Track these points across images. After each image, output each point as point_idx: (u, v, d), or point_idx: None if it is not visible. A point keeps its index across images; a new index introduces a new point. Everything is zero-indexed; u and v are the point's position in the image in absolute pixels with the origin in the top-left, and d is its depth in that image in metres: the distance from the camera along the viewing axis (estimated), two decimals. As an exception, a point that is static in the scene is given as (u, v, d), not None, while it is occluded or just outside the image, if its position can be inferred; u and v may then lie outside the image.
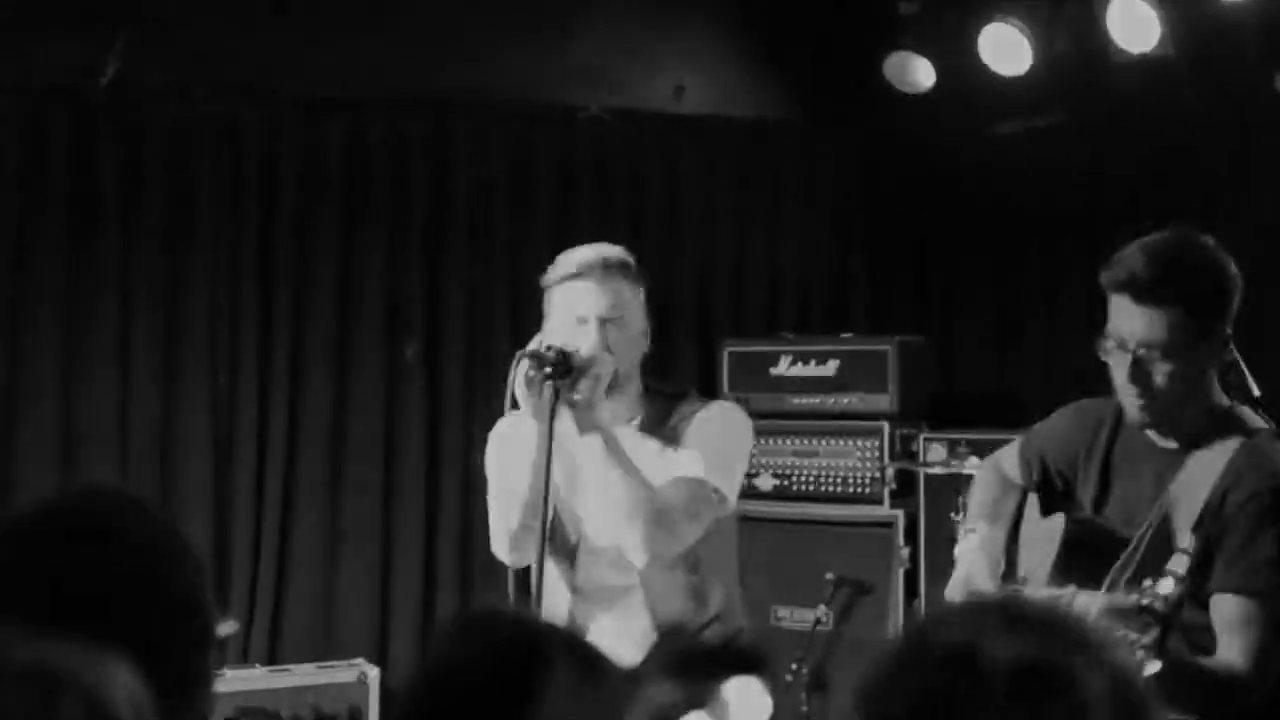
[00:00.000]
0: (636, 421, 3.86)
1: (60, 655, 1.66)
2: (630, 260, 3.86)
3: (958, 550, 3.64)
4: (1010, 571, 3.59)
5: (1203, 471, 3.30)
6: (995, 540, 3.61)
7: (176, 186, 6.93)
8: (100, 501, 2.23)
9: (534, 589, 3.60)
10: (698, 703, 1.37)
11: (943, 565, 6.45)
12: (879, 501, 7.00)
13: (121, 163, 6.84)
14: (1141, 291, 3.29)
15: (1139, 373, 3.32)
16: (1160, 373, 3.31)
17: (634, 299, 3.84)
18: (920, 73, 7.12)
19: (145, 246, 6.89)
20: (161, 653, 1.99)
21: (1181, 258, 3.33)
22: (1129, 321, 3.32)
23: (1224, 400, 3.41)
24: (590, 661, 2.02)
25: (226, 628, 2.19)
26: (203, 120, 6.97)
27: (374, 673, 6.53)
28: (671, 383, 4.03)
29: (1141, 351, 3.31)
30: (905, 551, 6.84)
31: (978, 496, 3.75)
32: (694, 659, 1.40)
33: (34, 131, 6.72)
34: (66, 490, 5.14)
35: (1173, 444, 3.40)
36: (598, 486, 3.70)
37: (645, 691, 1.37)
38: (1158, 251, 3.33)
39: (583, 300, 3.78)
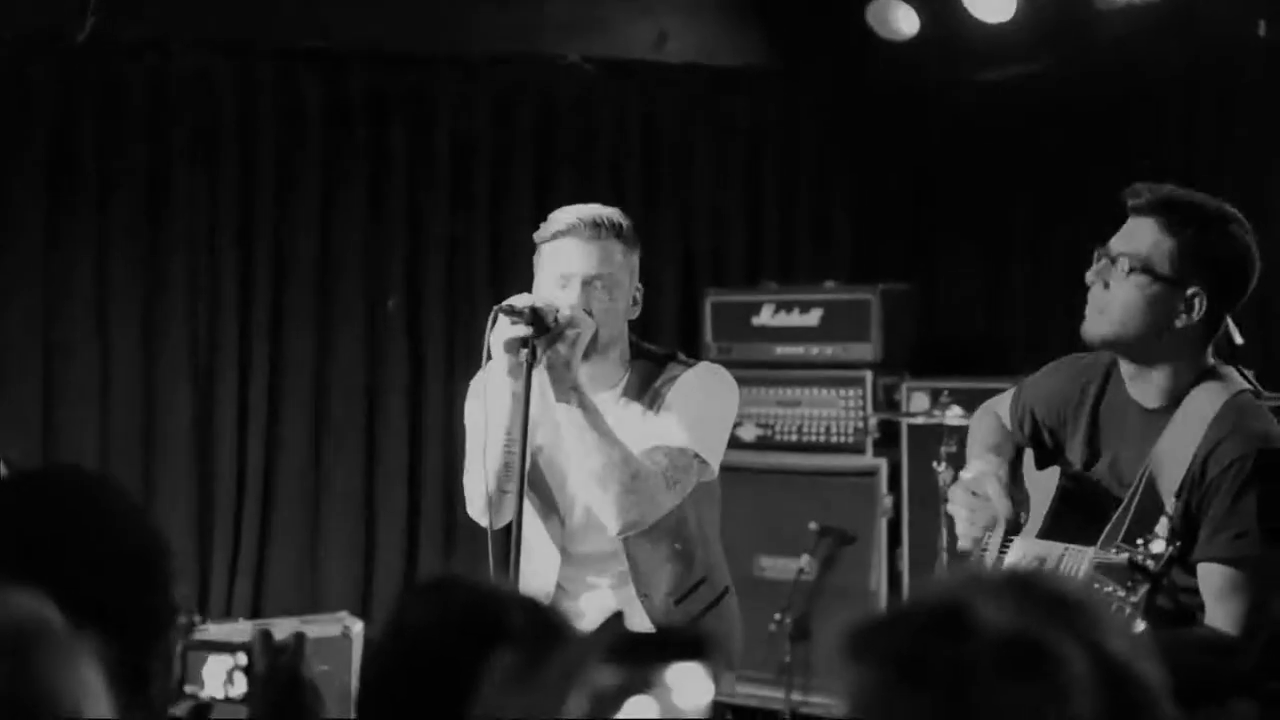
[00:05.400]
0: (621, 385, 3.82)
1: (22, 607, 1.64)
2: (623, 222, 3.77)
3: (964, 472, 3.61)
4: (1016, 506, 3.55)
5: (1184, 433, 3.27)
6: (1000, 467, 3.58)
7: (154, 141, 6.91)
8: (66, 477, 2.22)
9: (512, 555, 3.57)
10: (639, 688, 1.36)
11: (926, 514, 6.49)
12: (862, 451, 7.00)
13: (99, 117, 6.81)
14: (1143, 205, 3.31)
15: (1102, 272, 3.31)
16: (1120, 283, 3.29)
17: (624, 262, 3.76)
18: (903, 20, 7.09)
19: (123, 200, 6.87)
20: (115, 634, 1.97)
21: (1203, 205, 3.32)
22: (1124, 232, 3.33)
23: (1209, 363, 3.38)
24: (548, 630, 2.00)
25: (192, 619, 2.16)
26: (180, 74, 6.93)
27: (358, 626, 6.53)
28: (658, 343, 3.98)
29: (1115, 254, 3.30)
30: (888, 501, 6.84)
31: (979, 434, 3.71)
32: (636, 644, 1.39)
33: (10, 86, 6.68)
34: (41, 464, 5.13)
35: (1153, 403, 3.37)
36: (574, 451, 3.67)
37: (586, 678, 1.35)
38: (1184, 190, 3.34)
39: (567, 259, 3.71)
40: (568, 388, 3.60)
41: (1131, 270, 3.28)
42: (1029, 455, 3.67)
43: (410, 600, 2.18)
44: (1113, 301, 3.31)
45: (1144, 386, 3.38)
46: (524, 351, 3.56)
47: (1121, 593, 3.09)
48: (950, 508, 3.59)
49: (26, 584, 1.73)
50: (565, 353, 3.58)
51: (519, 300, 3.60)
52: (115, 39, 6.64)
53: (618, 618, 1.51)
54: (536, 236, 3.80)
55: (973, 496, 3.52)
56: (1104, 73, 7.03)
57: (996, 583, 1.50)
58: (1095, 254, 3.34)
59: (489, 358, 3.62)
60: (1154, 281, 3.28)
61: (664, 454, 3.67)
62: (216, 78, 7.01)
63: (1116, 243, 3.33)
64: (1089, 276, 3.34)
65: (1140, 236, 3.30)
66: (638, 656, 1.37)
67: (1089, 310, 3.36)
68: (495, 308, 3.59)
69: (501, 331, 3.58)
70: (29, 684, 1.56)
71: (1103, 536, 3.28)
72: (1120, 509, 3.30)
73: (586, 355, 3.67)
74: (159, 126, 6.91)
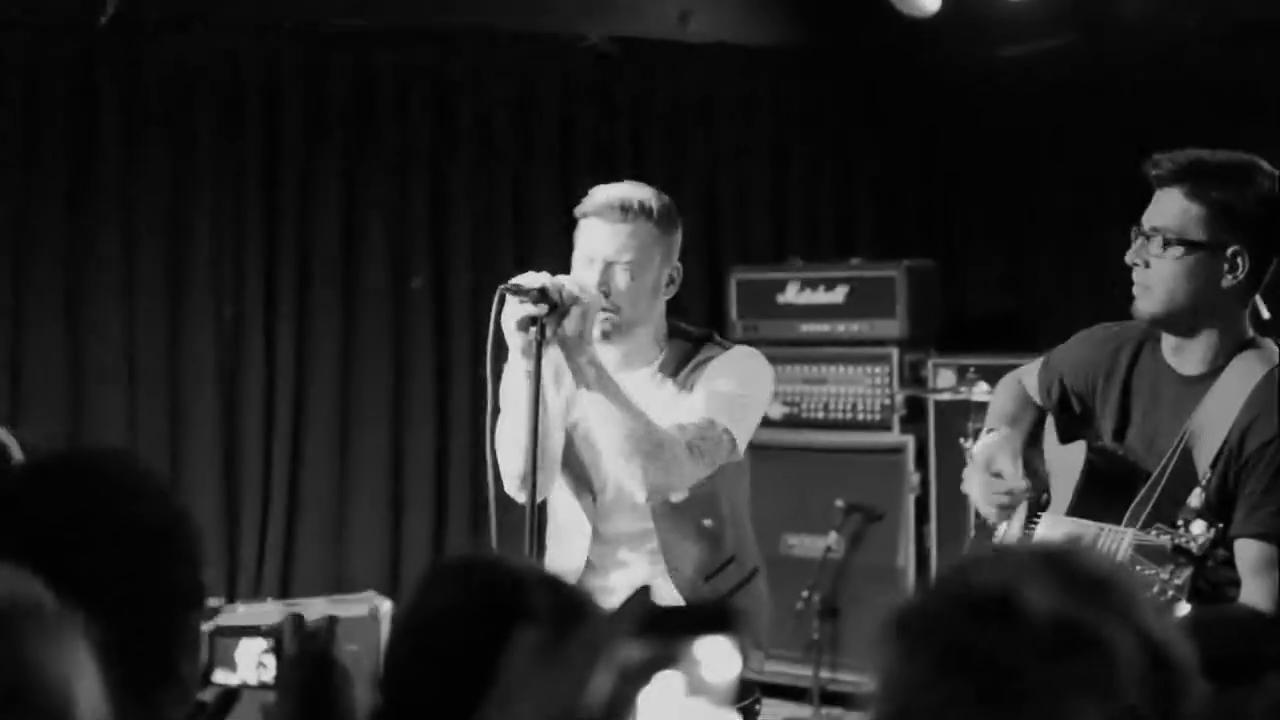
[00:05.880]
0: (657, 363, 3.82)
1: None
2: (655, 203, 3.75)
3: (976, 446, 3.60)
4: (1035, 481, 3.54)
5: (1223, 405, 3.25)
6: (1014, 440, 3.57)
7: (179, 121, 6.91)
8: (92, 459, 2.22)
9: (528, 534, 3.58)
10: (668, 662, 1.36)
11: (954, 491, 6.47)
12: (889, 428, 7.00)
13: (123, 98, 6.81)
14: (1165, 175, 3.29)
15: (1140, 251, 3.30)
16: (1159, 258, 3.27)
17: (654, 243, 3.74)
18: (926, -4, 7.06)
19: (148, 182, 6.87)
20: (140, 617, 1.97)
21: (1223, 162, 3.30)
22: (1153, 206, 3.30)
23: (1249, 332, 3.37)
24: (571, 608, 2.00)
25: (213, 602, 2.15)
26: (204, 54, 6.93)
27: (386, 606, 6.55)
28: (684, 321, 3.98)
29: (1149, 231, 3.29)
30: (916, 477, 6.84)
31: (998, 404, 3.70)
32: (663, 618, 1.39)
33: (33, 68, 6.68)
34: (70, 447, 5.14)
35: (1192, 370, 3.36)
36: (597, 424, 3.67)
37: (614, 652, 1.35)
38: (1208, 152, 3.31)
39: (593, 240, 3.73)
40: (582, 363, 3.61)
41: (1167, 244, 3.27)
42: (1052, 432, 3.65)
43: (433, 579, 2.19)
44: (1155, 278, 3.29)
45: (1185, 354, 3.36)
46: (533, 329, 3.57)
47: (1165, 575, 3.07)
48: (965, 486, 3.58)
49: (50, 567, 1.72)
50: (574, 328, 3.57)
51: (526, 279, 3.61)
52: (138, 20, 6.65)
53: (644, 591, 1.51)
54: (576, 211, 3.82)
55: (987, 474, 3.51)
56: (1127, 47, 7.00)
57: (1037, 563, 1.50)
58: (1132, 233, 3.33)
59: (495, 337, 3.62)
60: (1191, 250, 3.26)
61: (693, 426, 3.67)
62: (240, 58, 7.01)
63: (1148, 218, 3.31)
64: (1129, 257, 3.32)
65: (1168, 208, 3.28)
66: (665, 630, 1.37)
67: (1136, 290, 3.34)
68: (501, 287, 3.61)
69: (511, 311, 3.60)
70: (16, 663, 1.55)
71: (1131, 509, 3.27)
72: (1151, 480, 3.29)
73: (611, 336, 3.68)
74: (183, 107, 6.91)
